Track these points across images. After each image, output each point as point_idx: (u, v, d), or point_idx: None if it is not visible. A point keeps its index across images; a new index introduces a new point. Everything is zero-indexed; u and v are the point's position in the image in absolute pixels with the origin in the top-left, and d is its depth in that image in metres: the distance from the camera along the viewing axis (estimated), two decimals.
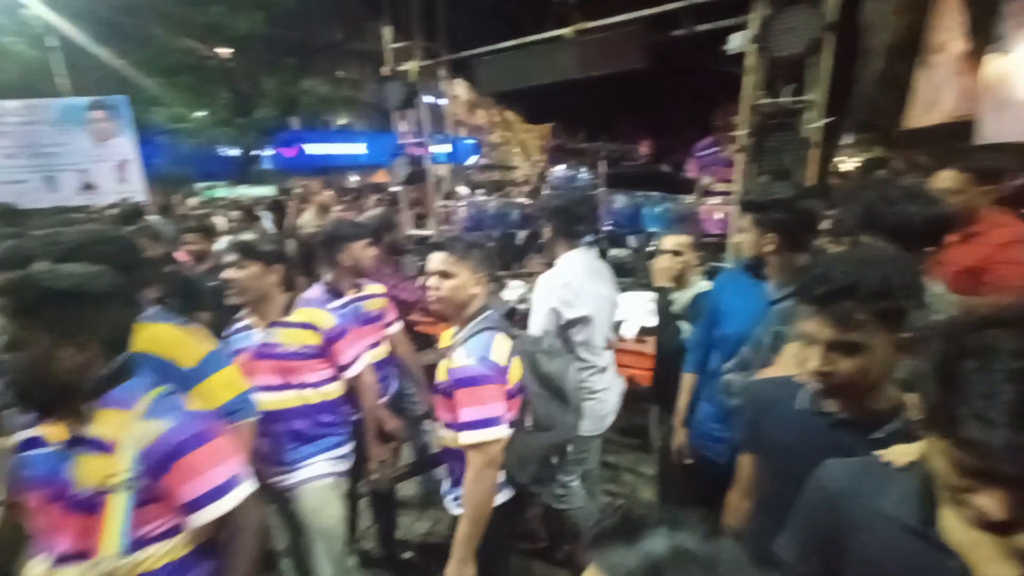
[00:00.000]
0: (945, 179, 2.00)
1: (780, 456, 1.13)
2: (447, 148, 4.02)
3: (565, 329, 2.03)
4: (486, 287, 1.62)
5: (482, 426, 1.42)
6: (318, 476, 1.82)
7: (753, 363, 1.52)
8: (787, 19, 2.20)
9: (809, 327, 0.96)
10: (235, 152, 14.93)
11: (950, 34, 6.69)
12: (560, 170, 3.93)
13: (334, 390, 1.87)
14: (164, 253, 2.93)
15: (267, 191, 12.70)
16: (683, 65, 3.21)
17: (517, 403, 1.56)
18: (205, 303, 2.60)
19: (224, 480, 1.06)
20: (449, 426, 1.54)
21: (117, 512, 1.00)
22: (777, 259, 1.58)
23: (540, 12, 3.25)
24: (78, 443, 1.03)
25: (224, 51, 13.50)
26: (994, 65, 5.94)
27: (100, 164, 6.62)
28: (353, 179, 14.05)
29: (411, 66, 3.71)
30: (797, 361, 1.16)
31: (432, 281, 1.56)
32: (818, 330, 0.95)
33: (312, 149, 16.40)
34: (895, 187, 1.31)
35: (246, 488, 1.10)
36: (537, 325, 1.99)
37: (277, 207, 7.22)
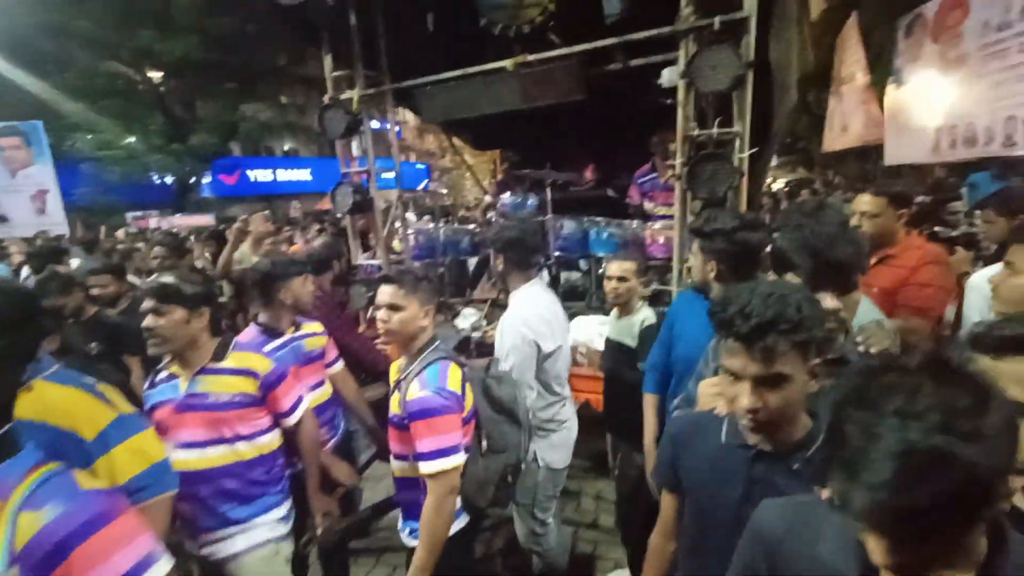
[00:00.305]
0: (864, 203, 2.14)
1: (701, 492, 1.13)
2: (394, 173, 3.97)
3: (542, 362, 2.01)
4: (434, 318, 1.64)
5: (442, 455, 1.44)
6: (257, 545, 1.67)
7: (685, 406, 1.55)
8: (711, 58, 2.35)
9: (734, 363, 0.97)
10: (170, 180, 14.18)
11: (854, 67, 7.44)
12: (508, 196, 3.96)
13: (271, 442, 1.75)
14: (82, 298, 2.71)
15: (205, 220, 12.10)
16: (622, 96, 3.33)
17: (471, 429, 1.58)
18: (135, 348, 2.41)
19: (132, 565, 0.91)
20: (403, 458, 1.57)
21: None
22: (719, 286, 1.65)
23: (481, 45, 3.31)
24: None
25: (155, 75, 12.90)
26: (893, 95, 6.62)
27: (13, 195, 6.10)
28: (296, 206, 13.62)
29: (353, 94, 3.67)
30: (715, 396, 1.20)
31: (381, 314, 1.57)
32: (745, 365, 0.95)
33: (255, 176, 15.86)
34: (828, 225, 1.36)
35: (162, 568, 0.98)
36: (513, 360, 1.91)
37: (217, 237, 6.88)
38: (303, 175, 17.45)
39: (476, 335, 3.11)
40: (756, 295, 0.96)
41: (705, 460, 1.11)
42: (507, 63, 2.98)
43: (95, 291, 2.88)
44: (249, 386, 1.67)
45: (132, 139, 12.57)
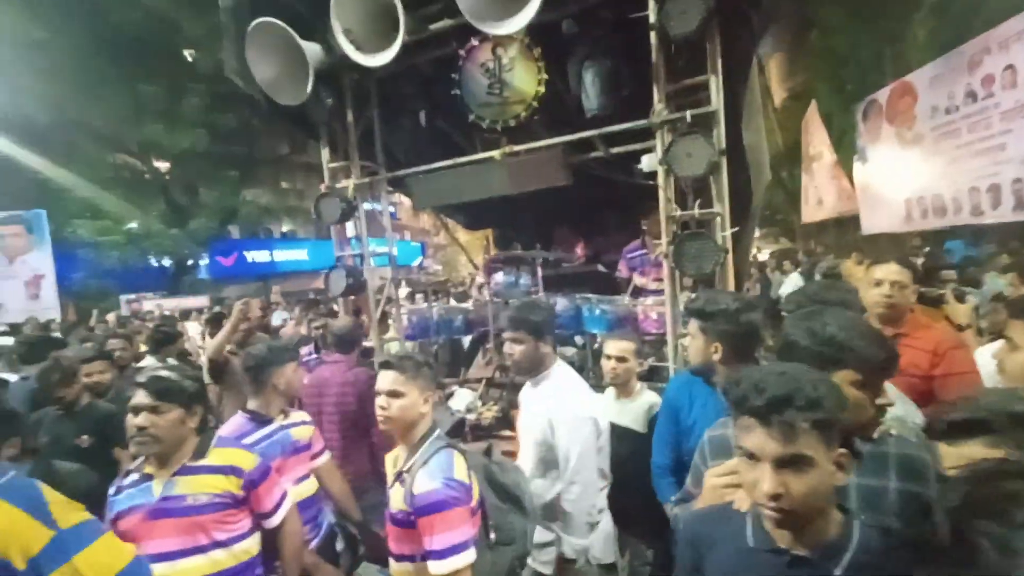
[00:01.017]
0: (894, 273, 1.98)
1: None
2: (389, 251, 4.07)
3: (597, 442, 1.85)
4: (433, 405, 1.59)
5: (455, 552, 1.34)
6: None
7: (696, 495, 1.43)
8: (686, 146, 2.52)
9: (752, 441, 0.90)
10: (167, 263, 14.39)
11: (821, 147, 8.02)
12: (500, 276, 4.03)
13: (251, 547, 1.62)
14: (80, 388, 2.65)
15: (199, 302, 12.12)
16: (605, 179, 3.51)
17: (478, 520, 1.48)
18: (124, 440, 2.32)
19: None
20: (408, 558, 1.45)
21: None
22: (725, 368, 1.61)
23: (470, 136, 3.54)
24: None
25: (162, 165, 13.52)
26: (860, 171, 7.08)
27: (9, 280, 6.15)
28: (275, 290, 13.70)
29: (349, 183, 3.84)
30: (724, 487, 1.13)
31: (381, 401, 1.51)
32: (763, 444, 0.89)
33: (252, 257, 16.14)
34: (840, 317, 1.21)
35: None
36: (578, 448, 1.75)
37: (216, 320, 6.84)
38: (300, 255, 17.77)
39: (471, 416, 3.02)
40: (770, 373, 0.93)
41: (732, 567, 1.00)
42: (495, 153, 3.16)
43: (90, 379, 2.81)
44: (231, 485, 1.58)
45: (134, 224, 12.90)
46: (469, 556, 1.37)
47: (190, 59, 12.56)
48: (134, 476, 1.58)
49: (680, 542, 1.15)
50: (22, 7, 9.76)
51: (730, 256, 2.59)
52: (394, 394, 1.50)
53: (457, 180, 3.37)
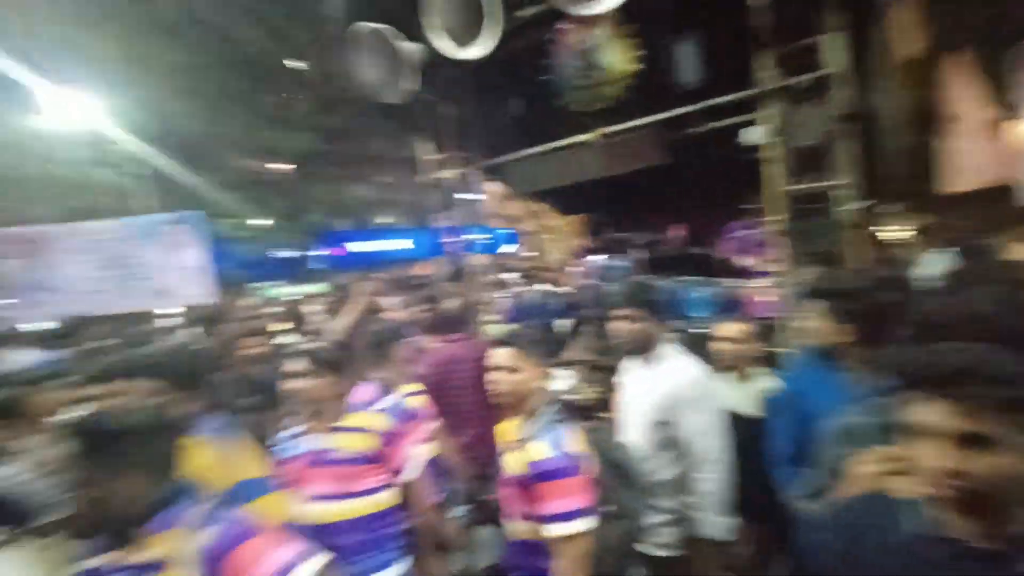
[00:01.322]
0: None
1: None
2: (485, 239, 4.26)
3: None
4: (546, 379, 1.67)
5: (571, 518, 1.41)
6: None
7: (825, 488, 1.35)
8: (799, 115, 2.35)
9: (928, 418, 0.80)
10: (287, 254, 16.21)
11: (965, 104, 6.87)
12: (594, 259, 4.05)
13: (387, 499, 1.85)
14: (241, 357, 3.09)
15: (318, 288, 13.50)
16: (705, 156, 3.38)
17: (593, 492, 1.53)
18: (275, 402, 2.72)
19: (286, 562, 1.11)
20: (522, 519, 1.52)
21: None
22: (856, 351, 1.53)
23: (564, 121, 3.57)
24: (138, 569, 1.09)
25: (283, 167, 15.18)
26: (1017, 131, 6.00)
27: (179, 272, 7.34)
28: (381, 276, 14.81)
29: (448, 174, 4.06)
30: (878, 474, 1.03)
31: (495, 375, 1.61)
32: (942, 419, 0.79)
33: (358, 247, 17.57)
34: (992, 293, 1.12)
35: (318, 560, 1.15)
36: (701, 424, 1.81)
37: (338, 302, 7.58)
38: (401, 244, 19.02)
39: (576, 397, 3.10)
40: (951, 348, 0.84)
41: (890, 557, 0.90)
42: (589, 136, 3.17)
43: (250, 351, 3.29)
44: (369, 443, 1.82)
45: (259, 221, 14.71)
46: (584, 523, 1.43)
47: (298, 68, 13.84)
48: (295, 430, 1.88)
49: (824, 531, 1.07)
50: (163, 34, 11.35)
51: (854, 232, 2.40)
52: (507, 369, 1.60)
53: (553, 165, 3.43)
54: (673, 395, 1.85)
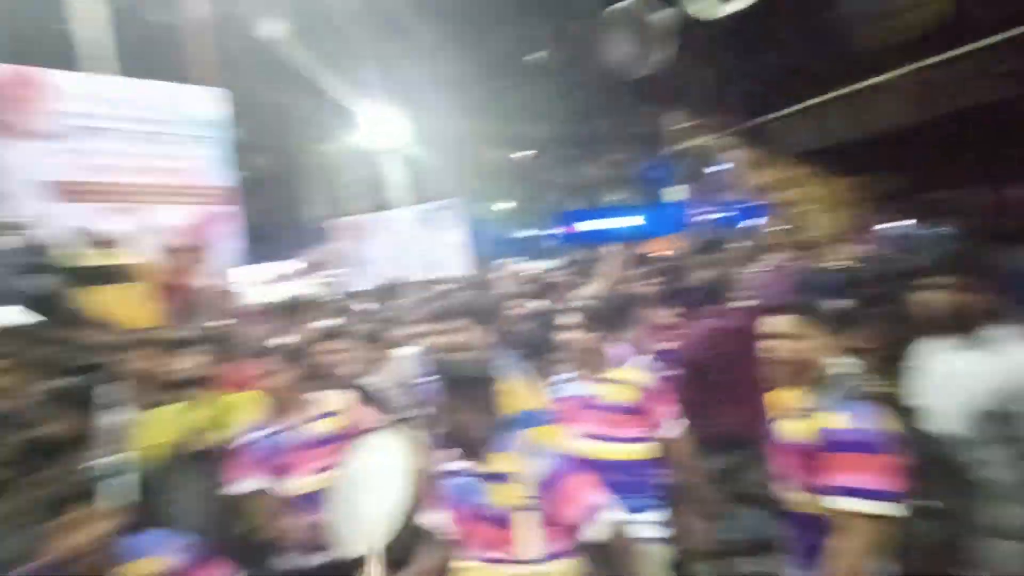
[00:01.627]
0: None
1: None
2: (737, 212, 3.95)
3: None
4: (830, 351, 1.56)
5: (866, 496, 1.29)
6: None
7: None
8: None
9: None
10: (526, 234, 18.11)
11: None
12: (888, 227, 3.33)
13: (646, 450, 1.98)
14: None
15: (553, 264, 14.78)
16: None
17: (899, 477, 1.35)
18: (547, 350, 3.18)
19: (596, 504, 1.36)
20: (810, 490, 1.43)
21: (523, 526, 1.38)
22: None
23: (848, 65, 3.00)
24: (487, 477, 1.47)
25: (524, 154, 16.89)
26: None
27: (445, 248, 9.11)
28: (618, 250, 15.22)
29: (698, 142, 3.88)
30: None
31: (774, 343, 1.56)
32: None
33: (592, 225, 18.42)
34: None
35: (617, 513, 1.39)
36: None
37: (582, 273, 8.19)
38: (633, 221, 19.17)
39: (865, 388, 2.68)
40: None
41: None
42: (895, 74, 2.61)
43: (522, 310, 3.86)
44: (632, 395, 1.99)
45: (505, 204, 16.77)
46: (883, 507, 1.29)
47: (538, 59, 14.95)
48: (569, 375, 2.15)
49: None
50: (433, 47, 13.62)
51: None
52: (789, 336, 1.53)
53: (837, 116, 2.96)
54: (1019, 382, 1.49)
